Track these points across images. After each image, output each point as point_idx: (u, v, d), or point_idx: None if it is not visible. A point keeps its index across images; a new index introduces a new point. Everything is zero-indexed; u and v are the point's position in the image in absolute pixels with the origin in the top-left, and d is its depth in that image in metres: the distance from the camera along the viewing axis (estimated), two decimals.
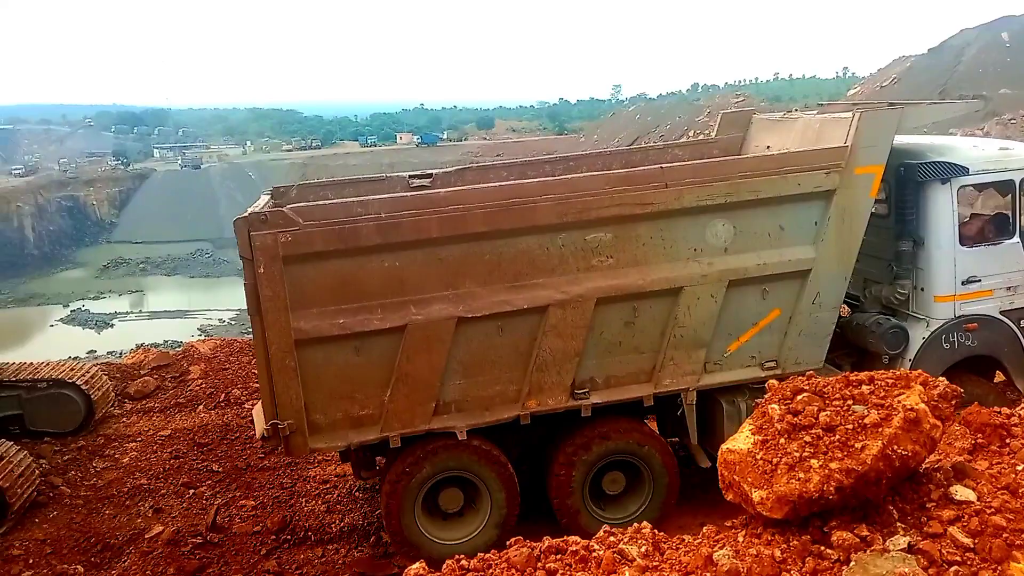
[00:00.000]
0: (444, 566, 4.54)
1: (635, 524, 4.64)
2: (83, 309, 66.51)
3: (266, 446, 9.12)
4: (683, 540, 4.44)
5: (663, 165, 7.88)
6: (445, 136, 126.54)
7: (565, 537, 4.57)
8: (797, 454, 4.03)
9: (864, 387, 4.35)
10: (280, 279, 7.04)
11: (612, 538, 4.45)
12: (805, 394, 4.41)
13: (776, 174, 7.75)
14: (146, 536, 8.94)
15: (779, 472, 4.00)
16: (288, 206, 7.40)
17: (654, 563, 4.17)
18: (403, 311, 7.34)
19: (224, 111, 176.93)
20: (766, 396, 4.62)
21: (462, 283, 7.45)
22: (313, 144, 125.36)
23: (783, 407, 4.36)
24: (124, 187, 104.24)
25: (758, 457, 4.13)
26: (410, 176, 9.54)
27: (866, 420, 4.05)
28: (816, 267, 7.96)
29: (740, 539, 4.22)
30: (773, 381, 4.82)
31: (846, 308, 9.13)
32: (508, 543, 4.57)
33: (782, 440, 4.16)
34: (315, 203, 7.62)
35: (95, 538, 9.07)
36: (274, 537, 8.78)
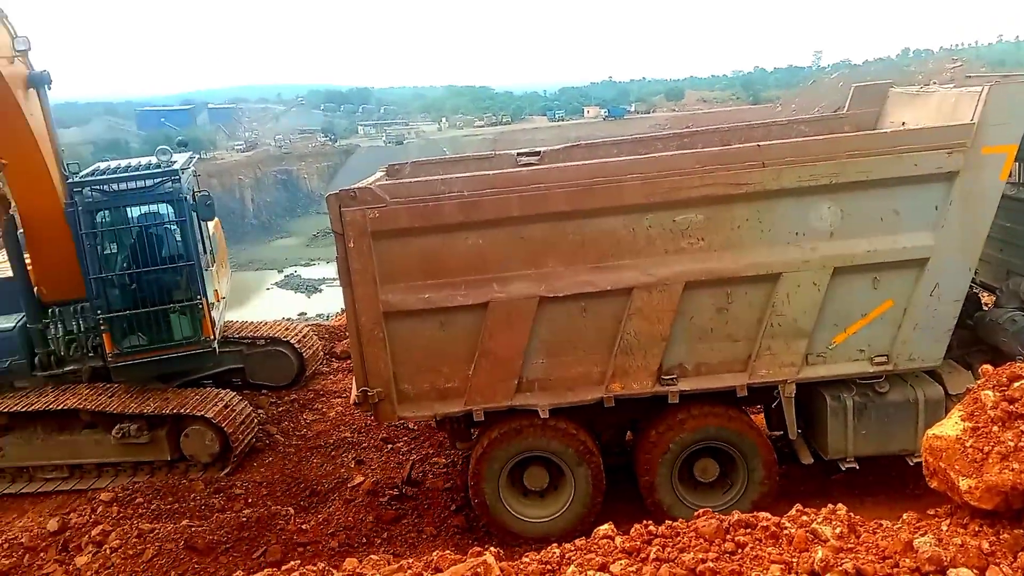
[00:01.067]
0: (633, 529, 4.73)
1: (830, 505, 4.59)
2: (295, 275, 72.52)
3: (358, 411, 9.62)
4: (880, 524, 4.43)
5: (760, 143, 7.41)
6: (633, 108, 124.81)
7: (755, 513, 4.62)
8: (1012, 443, 3.91)
9: None
10: (369, 253, 7.36)
11: (804, 517, 4.52)
12: (1023, 381, 4.21)
13: (889, 153, 7.08)
14: (348, 485, 9.63)
15: (990, 461, 3.90)
16: (380, 183, 7.73)
17: (849, 544, 4.18)
18: (486, 288, 7.44)
19: (422, 90, 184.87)
20: (979, 382, 4.50)
21: (544, 262, 7.43)
22: (503, 120, 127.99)
23: (998, 394, 4.22)
24: (332, 162, 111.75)
25: (967, 445, 4.04)
26: (518, 153, 9.60)
27: None
28: (935, 256, 7.21)
29: (944, 528, 4.15)
30: (988, 367, 4.60)
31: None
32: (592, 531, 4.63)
33: (995, 428, 4.04)
34: (402, 181, 7.88)
35: (304, 483, 9.94)
36: (463, 494, 8.95)
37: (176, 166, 10.65)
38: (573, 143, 9.78)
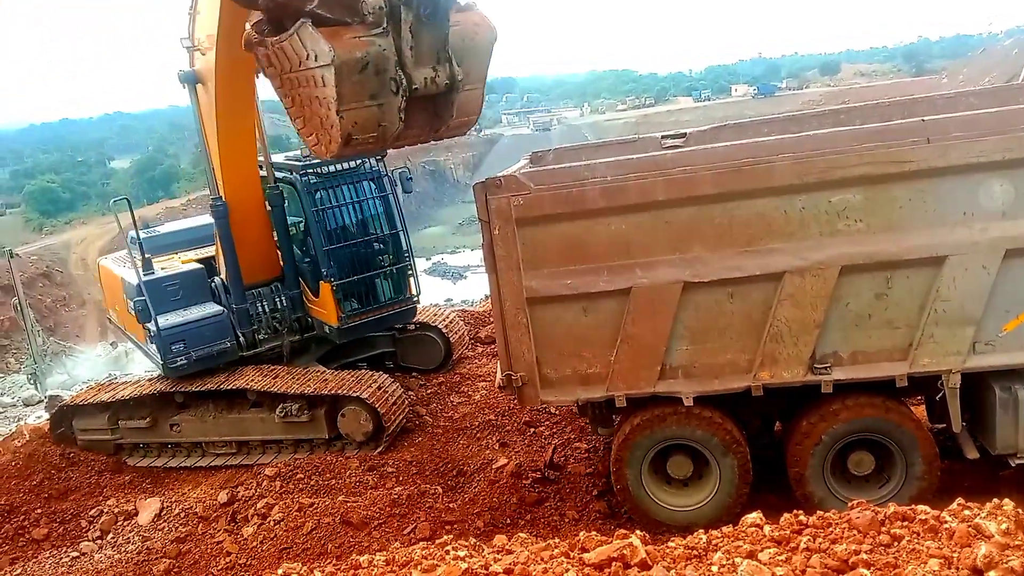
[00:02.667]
0: (782, 519, 4.76)
1: (995, 500, 4.42)
2: (442, 262, 74.64)
3: (503, 394, 9.78)
4: None
5: (924, 118, 6.95)
6: (784, 85, 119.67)
7: (913, 506, 4.53)
8: None
9: None
10: (513, 240, 7.49)
11: (967, 511, 4.40)
12: None
13: None
14: (493, 466, 9.95)
15: None
16: (524, 171, 7.83)
17: (1016, 542, 4.04)
18: (629, 274, 7.41)
19: (564, 76, 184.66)
20: None
21: (690, 247, 7.31)
22: (647, 102, 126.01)
23: None
24: (476, 151, 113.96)
25: None
26: (663, 136, 9.45)
27: None
28: None
29: None
30: None
31: None
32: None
33: None
34: (544, 168, 7.93)
35: (451, 463, 10.39)
36: (605, 480, 9.07)
37: None
38: (720, 124, 9.49)
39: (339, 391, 10.82)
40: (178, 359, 11.14)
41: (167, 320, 11.16)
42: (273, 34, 6.22)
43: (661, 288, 7.36)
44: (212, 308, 11.56)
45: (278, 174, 11.75)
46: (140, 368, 18.59)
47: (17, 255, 41.29)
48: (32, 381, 25.19)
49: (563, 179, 7.39)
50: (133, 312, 11.39)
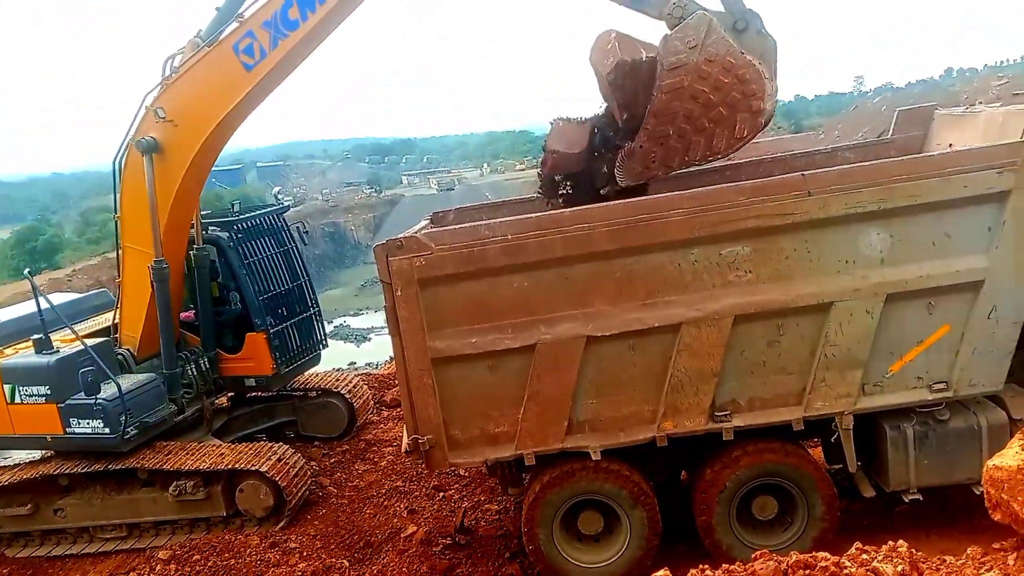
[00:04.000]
0: (689, 574, 4.67)
1: (890, 542, 4.47)
2: (345, 325, 73.24)
3: (410, 459, 9.60)
4: (944, 560, 4.33)
5: (804, 172, 7.34)
6: None
7: (814, 553, 4.54)
8: None
9: None
10: (416, 301, 7.43)
11: (864, 555, 4.42)
12: None
13: (936, 176, 6.95)
14: (402, 535, 9.64)
15: None
16: (426, 231, 7.83)
17: None
18: (533, 331, 7.44)
19: (463, 137, 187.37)
20: None
21: (591, 302, 7.41)
22: None
23: None
24: (377, 212, 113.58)
25: None
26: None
27: None
28: (991, 278, 7.02)
29: (1011, 562, 4.04)
30: None
31: None
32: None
33: None
34: (445, 228, 7.97)
35: (358, 535, 9.99)
36: (517, 541, 8.91)
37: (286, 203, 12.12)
38: None
39: (236, 465, 10.34)
40: (129, 430, 10.37)
41: (108, 390, 10.44)
42: None
43: (565, 343, 7.42)
44: (144, 376, 10.92)
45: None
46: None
47: None
48: None
49: (464, 239, 7.41)
50: (47, 394, 10.60)
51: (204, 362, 11.61)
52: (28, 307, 12.41)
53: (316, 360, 13.00)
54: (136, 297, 11.00)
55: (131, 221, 10.66)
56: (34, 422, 10.68)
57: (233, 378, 11.96)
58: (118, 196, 10.64)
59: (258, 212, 12.40)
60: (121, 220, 10.78)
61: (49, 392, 10.40)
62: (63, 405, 10.43)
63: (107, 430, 10.34)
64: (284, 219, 12.74)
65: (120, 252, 10.99)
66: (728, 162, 8.69)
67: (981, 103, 9.34)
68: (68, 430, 10.56)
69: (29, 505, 10.81)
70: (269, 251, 12.21)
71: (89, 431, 10.53)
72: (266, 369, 11.68)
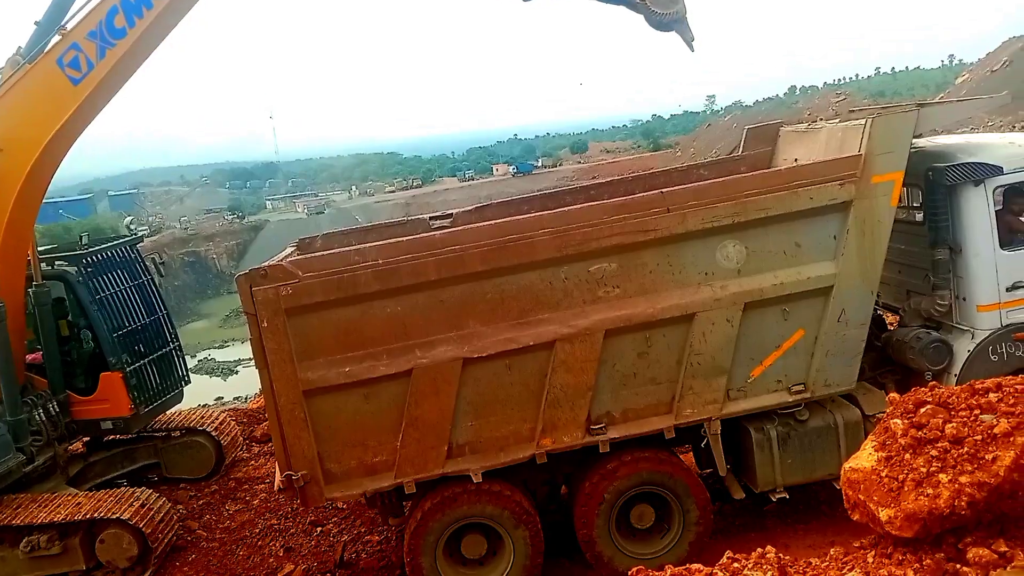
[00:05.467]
0: None
1: (759, 549, 4.53)
2: (209, 358, 69.94)
3: (284, 497, 9.28)
4: (810, 563, 4.39)
5: (663, 190, 7.64)
6: (540, 164, 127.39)
7: (688, 565, 4.56)
8: (924, 469, 3.92)
9: (991, 395, 4.19)
10: (284, 331, 7.18)
11: (736, 564, 4.44)
12: (929, 406, 4.27)
13: (785, 190, 7.39)
14: (279, 575, 9.24)
15: (906, 489, 3.90)
16: (291, 259, 7.60)
17: None
18: (408, 355, 7.35)
19: (328, 159, 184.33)
20: (887, 410, 4.53)
21: (466, 323, 7.40)
22: (414, 183, 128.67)
23: (906, 421, 4.24)
24: (241, 239, 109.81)
25: (883, 475, 4.04)
26: (431, 217, 9.63)
27: (996, 430, 3.88)
28: (838, 283, 7.51)
29: (870, 560, 4.14)
30: (895, 395, 4.65)
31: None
32: None
33: (907, 455, 4.04)
34: (313, 255, 7.78)
35: None
36: (400, 571, 8.67)
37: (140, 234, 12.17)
38: (484, 203, 9.85)
39: (95, 515, 9.65)
40: None
41: None
42: None
43: (441, 366, 7.36)
44: None
45: (43, 269, 10.76)
46: None
47: None
48: None
49: (333, 265, 7.25)
50: None
51: (53, 406, 10.74)
52: None
53: (179, 398, 12.37)
54: None
55: None
56: None
57: (88, 421, 11.12)
58: None
59: (108, 244, 11.72)
60: None
61: None
62: None
63: None
64: (138, 250, 12.11)
65: None
66: (591, 181, 8.92)
67: (822, 120, 9.98)
68: None
69: None
70: (123, 285, 11.53)
71: None
72: (123, 410, 10.97)
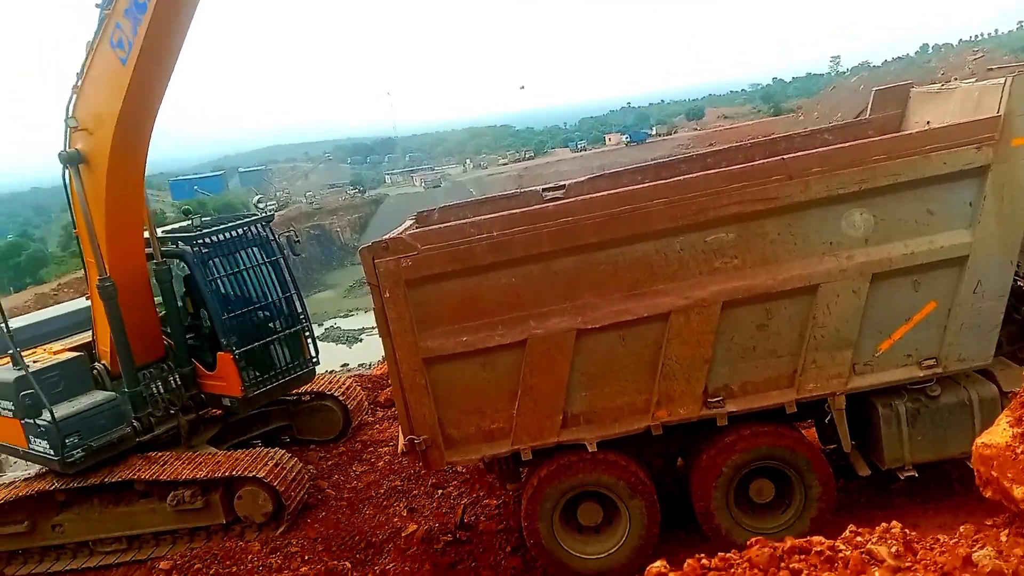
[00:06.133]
0: (685, 564, 4.70)
1: (883, 524, 4.49)
2: (335, 327, 73.12)
3: (407, 460, 9.61)
4: (938, 540, 4.32)
5: (785, 156, 7.38)
6: (654, 132, 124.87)
7: (809, 537, 4.56)
8: None
9: None
10: (404, 302, 7.43)
11: (859, 538, 4.41)
12: None
13: (916, 154, 7.00)
14: (402, 534, 9.64)
15: None
16: (411, 231, 7.82)
17: (906, 564, 4.08)
18: (523, 326, 7.46)
19: (443, 133, 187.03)
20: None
21: (579, 294, 7.43)
22: (527, 155, 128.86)
23: None
24: (362, 213, 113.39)
25: (1018, 451, 3.95)
26: (543, 189, 9.66)
27: None
28: (974, 252, 7.09)
29: (1003, 539, 4.03)
30: None
31: None
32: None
33: None
34: (431, 228, 7.96)
35: (359, 536, 9.99)
36: (518, 535, 8.85)
37: (269, 211, 11.94)
38: (596, 173, 9.79)
39: (234, 472, 10.33)
40: (75, 452, 10.30)
41: (59, 411, 10.40)
42: None
43: (555, 337, 7.43)
44: (102, 395, 10.86)
45: (164, 248, 11.31)
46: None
47: None
48: None
49: (450, 237, 7.41)
50: (12, 409, 10.54)
51: (175, 379, 11.35)
52: (65, 308, 12.78)
53: (307, 377, 12.40)
54: (101, 312, 10.85)
55: (84, 236, 10.49)
56: (8, 434, 10.84)
57: (212, 396, 11.70)
58: (72, 211, 10.49)
59: (234, 223, 11.81)
60: (79, 235, 10.65)
61: (13, 408, 10.47)
62: (23, 422, 10.49)
63: (51, 452, 10.33)
64: (270, 229, 12.05)
65: (85, 267, 10.90)
66: (707, 149, 8.71)
67: (956, 79, 9.36)
68: (30, 446, 10.64)
69: (26, 523, 10.77)
70: (245, 265, 11.66)
71: (40, 450, 10.55)
72: (235, 390, 11.31)
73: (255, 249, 11.81)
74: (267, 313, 11.87)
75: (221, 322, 11.15)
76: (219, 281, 11.28)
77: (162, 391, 11.24)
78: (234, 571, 9.51)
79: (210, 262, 11.23)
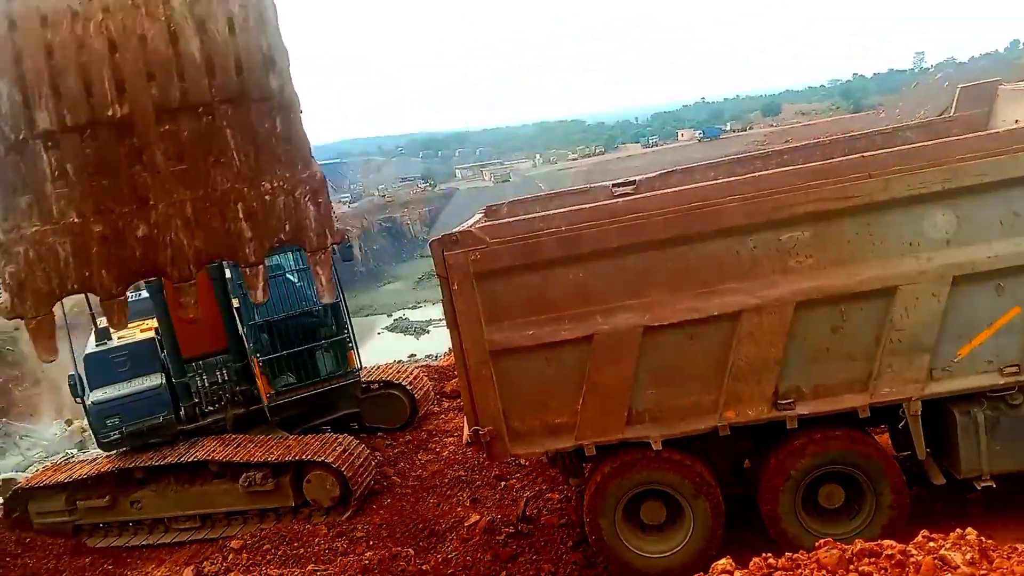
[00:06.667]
0: (751, 563, 4.70)
1: (958, 530, 4.41)
2: (403, 318, 74.49)
3: (471, 451, 9.69)
4: (1015, 549, 4.26)
5: (865, 154, 7.18)
6: (728, 128, 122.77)
7: (879, 541, 4.52)
8: None
9: None
10: (473, 294, 7.49)
11: (932, 543, 4.37)
12: None
13: (1003, 154, 6.73)
14: (465, 524, 9.80)
15: None
16: (480, 225, 7.88)
17: (981, 571, 4.04)
18: (589, 321, 7.44)
19: (514, 128, 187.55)
20: None
21: (647, 291, 7.38)
22: (597, 151, 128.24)
23: None
24: (432, 206, 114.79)
25: None
26: (613, 184, 9.60)
27: None
28: None
29: None
30: None
31: None
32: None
33: None
34: (500, 221, 8.00)
35: (422, 524, 10.19)
36: (579, 530, 8.89)
37: None
38: (668, 169, 9.70)
39: (303, 457, 10.61)
40: (111, 434, 10.96)
41: (102, 394, 10.92)
42: None
43: (622, 333, 7.40)
44: (152, 381, 11.36)
45: None
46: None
47: None
48: None
49: (519, 231, 7.44)
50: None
51: (223, 373, 11.67)
52: None
53: (350, 389, 12.12)
54: None
55: None
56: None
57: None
58: None
59: None
60: None
61: (70, 384, 11.16)
62: (75, 400, 11.32)
63: (92, 431, 11.05)
64: None
65: None
66: (784, 145, 8.54)
67: None
68: (89, 421, 11.40)
69: (108, 497, 11.27)
70: (284, 270, 11.62)
71: (89, 427, 11.11)
72: (263, 395, 11.51)
73: (300, 253, 11.53)
74: (306, 321, 11.73)
75: (248, 327, 11.29)
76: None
77: (207, 384, 11.59)
78: (301, 553, 9.76)
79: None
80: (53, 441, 35.81)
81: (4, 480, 17.14)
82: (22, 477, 15.71)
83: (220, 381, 11.68)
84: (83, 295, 10.62)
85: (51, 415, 44.59)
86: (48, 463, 15.72)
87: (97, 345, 11.56)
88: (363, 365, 12.55)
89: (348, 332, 11.99)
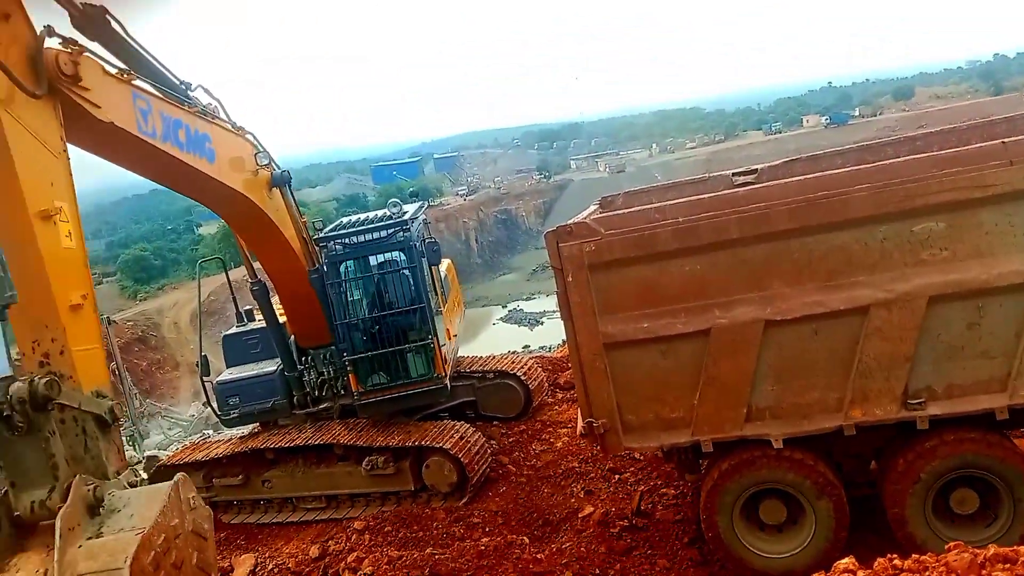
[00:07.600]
0: (876, 563, 4.63)
1: None
2: (518, 309, 75.26)
3: (585, 442, 9.65)
4: None
5: (1005, 140, 6.72)
6: (857, 113, 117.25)
7: (1016, 547, 4.35)
8: None
9: None
10: (587, 286, 7.49)
11: None
12: None
13: None
14: (579, 515, 9.87)
15: None
16: (595, 216, 7.87)
17: None
18: (707, 315, 7.31)
19: (630, 117, 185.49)
20: None
21: (769, 284, 7.18)
22: (716, 139, 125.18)
23: None
24: (547, 198, 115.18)
25: None
26: (733, 173, 9.37)
27: None
28: None
29: None
30: None
31: None
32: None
33: None
34: (615, 213, 7.95)
35: (536, 513, 10.34)
36: (695, 527, 8.79)
37: (406, 216, 11.48)
38: (792, 157, 9.37)
39: (423, 442, 10.90)
40: (231, 412, 11.89)
41: (227, 375, 11.87)
42: None
43: (741, 327, 7.23)
44: (268, 367, 12.04)
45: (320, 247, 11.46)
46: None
47: (114, 321, 43.31)
48: (131, 442, 26.24)
49: (634, 223, 7.39)
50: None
51: (329, 370, 12.01)
52: None
53: (436, 394, 11.53)
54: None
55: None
56: None
57: None
58: None
59: (353, 229, 11.42)
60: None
61: (197, 363, 12.23)
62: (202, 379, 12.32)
63: (214, 406, 12.00)
64: (412, 233, 11.32)
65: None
66: (917, 131, 8.10)
67: None
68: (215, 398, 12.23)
69: (241, 476, 11.92)
70: (373, 271, 11.61)
71: (213, 404, 12.23)
72: (353, 392, 11.52)
73: (395, 254, 11.53)
74: (387, 323, 11.51)
75: (337, 326, 11.19)
76: (341, 285, 11.31)
77: (314, 376, 12.02)
78: (421, 536, 10.04)
79: (342, 265, 11.30)
80: (191, 422, 38.18)
81: (148, 457, 18.47)
82: (164, 455, 16.82)
83: (327, 374, 12.12)
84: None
85: (189, 398, 47.58)
86: (187, 442, 16.76)
87: (237, 326, 12.37)
88: (449, 372, 11.80)
89: (433, 337, 11.33)
